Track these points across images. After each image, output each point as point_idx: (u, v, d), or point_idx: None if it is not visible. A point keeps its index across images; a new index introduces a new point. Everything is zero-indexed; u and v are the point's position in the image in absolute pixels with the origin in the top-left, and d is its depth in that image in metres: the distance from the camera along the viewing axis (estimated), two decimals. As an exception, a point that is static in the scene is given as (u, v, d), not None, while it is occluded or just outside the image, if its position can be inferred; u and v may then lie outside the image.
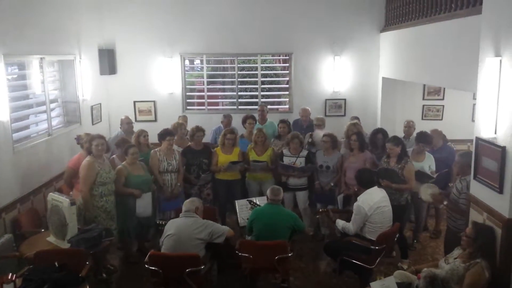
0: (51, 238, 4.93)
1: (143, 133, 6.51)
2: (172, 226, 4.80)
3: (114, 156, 6.36)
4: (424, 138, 6.22)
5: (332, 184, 6.38)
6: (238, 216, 5.72)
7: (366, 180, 5.29)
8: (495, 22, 4.07)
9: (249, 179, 6.70)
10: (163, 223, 5.11)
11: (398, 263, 5.80)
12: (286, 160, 6.47)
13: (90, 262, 4.58)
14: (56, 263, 4.27)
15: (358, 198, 5.25)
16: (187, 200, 5.02)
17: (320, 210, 5.91)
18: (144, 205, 5.75)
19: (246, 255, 4.80)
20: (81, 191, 5.35)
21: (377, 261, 5.00)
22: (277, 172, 6.60)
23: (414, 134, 6.76)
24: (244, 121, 7.57)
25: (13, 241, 5.03)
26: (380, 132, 6.67)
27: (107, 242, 5.00)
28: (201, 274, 4.60)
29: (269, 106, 8.66)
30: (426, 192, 5.34)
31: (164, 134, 6.25)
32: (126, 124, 7.36)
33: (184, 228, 4.72)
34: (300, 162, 6.43)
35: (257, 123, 7.69)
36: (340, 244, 5.31)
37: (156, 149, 6.24)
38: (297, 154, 6.48)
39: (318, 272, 5.79)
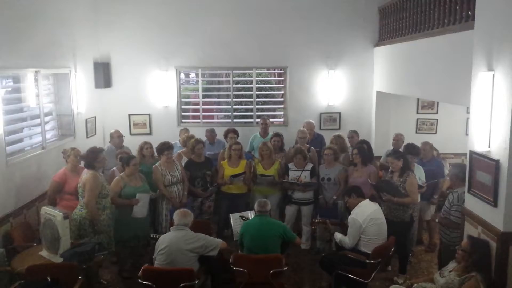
0: (44, 252, 4.88)
1: (145, 145, 6.53)
2: (164, 241, 4.77)
3: (114, 168, 6.34)
4: (412, 150, 6.30)
5: (335, 197, 6.36)
6: (233, 230, 5.69)
7: (359, 193, 5.40)
8: (487, 37, 4.13)
9: (255, 192, 6.65)
10: (157, 236, 5.08)
11: (393, 277, 5.77)
12: (292, 174, 6.47)
13: (83, 276, 4.52)
14: (48, 278, 4.22)
15: (351, 211, 5.29)
16: (179, 212, 4.97)
17: (316, 221, 5.89)
18: (140, 205, 5.71)
19: (241, 269, 4.77)
20: (87, 204, 5.29)
21: (373, 275, 4.97)
22: (283, 186, 6.58)
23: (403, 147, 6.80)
24: (225, 135, 7.54)
25: (5, 256, 4.96)
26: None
27: (100, 256, 4.95)
28: (195, 288, 4.56)
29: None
30: None
31: (162, 149, 6.25)
32: (117, 138, 7.28)
33: (175, 241, 4.70)
34: (305, 176, 6.42)
35: (260, 136, 7.73)
36: (336, 258, 5.28)
37: (156, 164, 6.23)
38: (302, 168, 6.47)
39: (313, 286, 5.74)
